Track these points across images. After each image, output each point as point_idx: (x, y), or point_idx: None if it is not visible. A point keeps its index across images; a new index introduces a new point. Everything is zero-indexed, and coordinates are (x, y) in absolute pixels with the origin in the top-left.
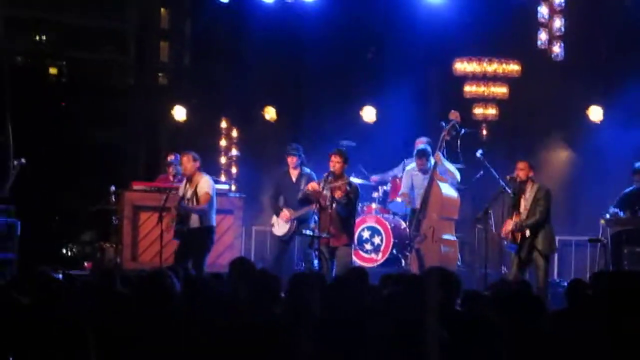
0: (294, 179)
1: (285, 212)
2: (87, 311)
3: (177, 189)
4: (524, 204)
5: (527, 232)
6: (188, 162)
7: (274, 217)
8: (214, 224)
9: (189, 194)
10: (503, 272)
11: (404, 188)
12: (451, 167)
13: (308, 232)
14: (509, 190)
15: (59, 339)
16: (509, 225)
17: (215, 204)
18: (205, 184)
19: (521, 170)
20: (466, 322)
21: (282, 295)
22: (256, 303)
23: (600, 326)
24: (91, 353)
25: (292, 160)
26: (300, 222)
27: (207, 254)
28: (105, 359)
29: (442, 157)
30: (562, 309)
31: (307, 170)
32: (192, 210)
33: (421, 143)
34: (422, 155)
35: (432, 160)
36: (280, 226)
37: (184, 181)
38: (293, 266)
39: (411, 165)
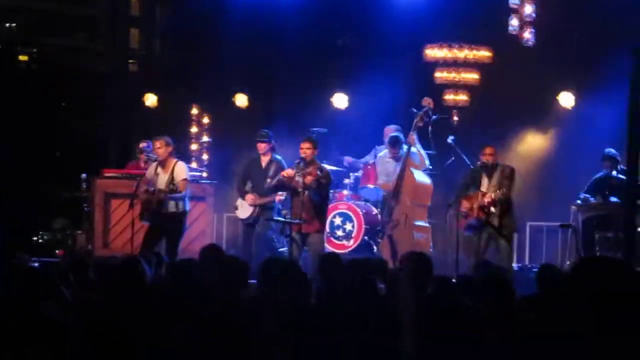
0: (263, 165)
1: (251, 196)
2: (63, 300)
3: None
4: (489, 183)
5: (493, 209)
6: (161, 147)
7: (239, 200)
8: (188, 209)
9: (163, 179)
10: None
11: (381, 177)
12: (422, 151)
13: (279, 218)
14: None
15: (34, 331)
16: (469, 202)
17: (189, 190)
18: (182, 170)
19: (490, 155)
20: (440, 307)
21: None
22: (225, 289)
23: (572, 311)
24: (69, 343)
25: (261, 147)
26: (264, 208)
27: (180, 239)
28: (82, 348)
29: (416, 139)
30: (532, 294)
31: (278, 157)
32: (174, 199)
33: (390, 131)
34: (395, 143)
35: (405, 148)
36: (243, 209)
37: (154, 165)
38: (264, 252)
39: (383, 152)
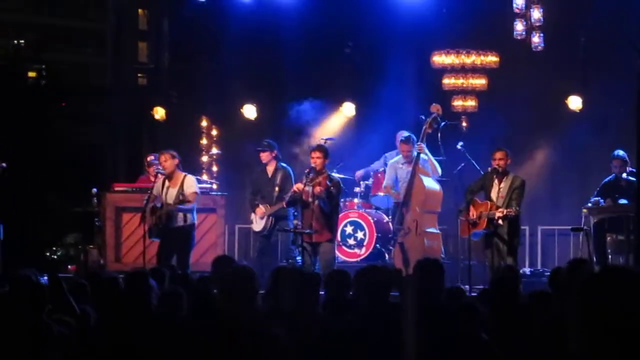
0: (269, 175)
1: (261, 208)
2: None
3: None
4: (499, 192)
5: (501, 222)
6: (166, 161)
7: (253, 214)
8: (196, 222)
9: (172, 193)
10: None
11: (387, 181)
12: (433, 159)
13: (290, 228)
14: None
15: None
16: (477, 210)
17: (196, 202)
18: (191, 183)
19: (501, 160)
20: (452, 313)
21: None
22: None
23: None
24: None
25: (264, 156)
26: (279, 218)
27: (190, 252)
28: None
29: (424, 148)
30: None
31: (283, 164)
32: (184, 211)
33: (401, 136)
34: (408, 141)
35: (415, 152)
36: (257, 222)
37: (161, 180)
38: (277, 262)
39: (395, 158)
